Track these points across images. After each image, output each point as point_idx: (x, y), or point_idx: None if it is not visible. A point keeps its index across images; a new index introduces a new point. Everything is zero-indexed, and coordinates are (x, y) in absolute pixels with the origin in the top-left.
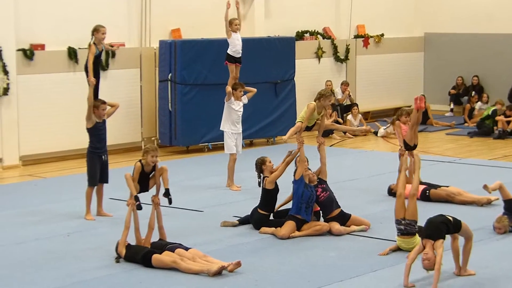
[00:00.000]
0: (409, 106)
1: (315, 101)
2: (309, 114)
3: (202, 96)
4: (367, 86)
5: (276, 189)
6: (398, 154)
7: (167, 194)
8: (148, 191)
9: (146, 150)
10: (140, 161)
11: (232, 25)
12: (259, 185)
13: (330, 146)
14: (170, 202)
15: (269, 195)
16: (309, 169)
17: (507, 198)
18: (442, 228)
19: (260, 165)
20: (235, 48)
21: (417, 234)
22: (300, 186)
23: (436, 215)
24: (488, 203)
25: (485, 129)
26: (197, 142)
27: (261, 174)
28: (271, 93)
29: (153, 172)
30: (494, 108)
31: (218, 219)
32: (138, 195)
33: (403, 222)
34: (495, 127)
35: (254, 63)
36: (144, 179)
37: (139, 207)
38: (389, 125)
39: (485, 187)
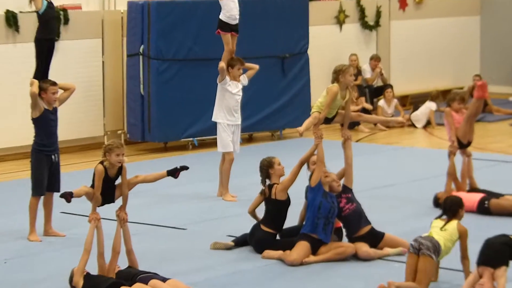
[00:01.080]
0: (461, 88)
1: (332, 82)
2: (330, 100)
3: (185, 75)
4: (405, 61)
5: (288, 201)
6: (447, 152)
7: (176, 170)
8: (114, 202)
9: (109, 148)
10: (101, 163)
11: None
12: (265, 195)
13: (357, 141)
14: (186, 168)
15: (278, 208)
16: (331, 173)
17: None
18: (504, 251)
19: (267, 168)
20: (231, 12)
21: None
22: (317, 195)
23: (497, 234)
24: None
25: None
26: (179, 137)
27: (267, 180)
28: (277, 71)
29: (119, 177)
30: None
31: (207, 239)
32: (102, 207)
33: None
34: None
35: (255, 32)
36: (109, 186)
37: (66, 198)
38: (426, 105)
39: None
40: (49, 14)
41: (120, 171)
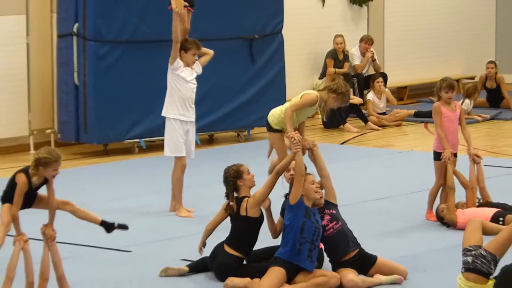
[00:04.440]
0: (472, 79)
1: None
2: (300, 106)
3: (130, 61)
4: (403, 45)
5: (261, 218)
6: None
7: (111, 226)
8: (30, 207)
9: (46, 162)
10: (24, 172)
11: None
12: (231, 211)
13: (342, 143)
14: (125, 227)
15: (249, 227)
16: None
17: None
18: None
19: (235, 179)
20: None
21: (491, 280)
22: (298, 215)
23: None
24: None
25: None
26: (122, 138)
27: (234, 193)
28: (245, 56)
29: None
30: None
31: (156, 264)
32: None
33: (473, 251)
34: None
35: (217, 7)
36: (29, 198)
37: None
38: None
39: None
40: None
41: (44, 180)
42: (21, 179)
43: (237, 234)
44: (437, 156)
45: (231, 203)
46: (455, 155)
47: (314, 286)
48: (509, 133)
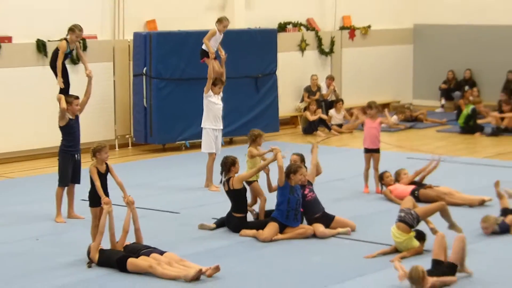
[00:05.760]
0: (398, 102)
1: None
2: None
3: (179, 91)
4: (353, 80)
5: (244, 188)
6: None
7: None
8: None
9: (98, 148)
10: (93, 165)
11: (221, 24)
12: (224, 188)
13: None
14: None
15: (240, 196)
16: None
17: None
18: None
19: (230, 165)
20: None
21: (412, 232)
22: (284, 192)
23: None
24: (481, 204)
25: (472, 131)
26: (174, 140)
27: (226, 174)
28: (252, 88)
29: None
30: (472, 106)
31: (195, 221)
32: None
33: (406, 210)
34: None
35: (234, 57)
36: (102, 182)
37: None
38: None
39: (496, 184)
40: (65, 57)
41: (107, 167)
42: (91, 168)
43: (235, 202)
44: (365, 150)
45: (224, 180)
46: (377, 150)
47: (296, 235)
48: (422, 137)
